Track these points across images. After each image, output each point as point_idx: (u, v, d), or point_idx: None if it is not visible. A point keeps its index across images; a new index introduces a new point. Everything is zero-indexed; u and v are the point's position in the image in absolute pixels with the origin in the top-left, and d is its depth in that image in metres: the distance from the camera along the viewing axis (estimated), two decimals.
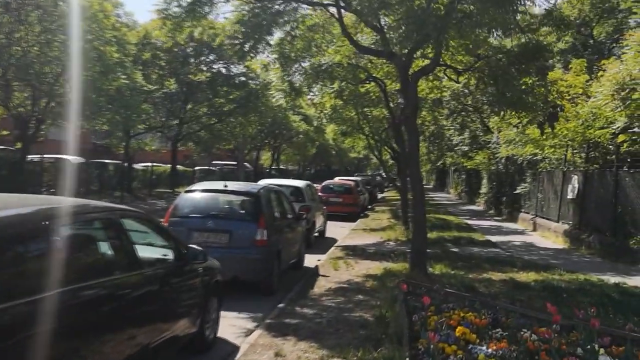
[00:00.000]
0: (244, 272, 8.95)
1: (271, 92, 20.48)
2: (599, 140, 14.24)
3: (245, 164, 49.84)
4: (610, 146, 14.07)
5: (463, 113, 26.53)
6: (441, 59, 11.81)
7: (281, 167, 63.28)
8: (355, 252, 13.77)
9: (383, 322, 7.44)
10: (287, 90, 15.59)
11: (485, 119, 26.28)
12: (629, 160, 13.37)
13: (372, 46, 12.90)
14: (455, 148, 28.65)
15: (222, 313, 7.28)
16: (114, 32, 19.84)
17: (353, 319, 7.75)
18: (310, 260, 12.61)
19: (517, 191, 21.90)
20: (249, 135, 39.39)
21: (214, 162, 49.53)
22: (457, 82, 13.09)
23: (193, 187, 10.09)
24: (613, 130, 12.75)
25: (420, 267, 10.35)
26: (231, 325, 7.55)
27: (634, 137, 12.51)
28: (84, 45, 17.41)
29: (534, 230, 19.11)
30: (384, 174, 78.42)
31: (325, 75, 15.14)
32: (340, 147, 71.25)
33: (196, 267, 6.05)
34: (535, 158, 18.47)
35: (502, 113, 13.18)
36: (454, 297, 7.98)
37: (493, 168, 28.09)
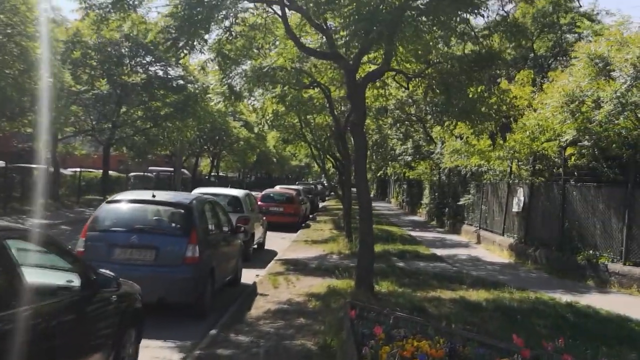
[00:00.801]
0: (171, 294, 7.97)
1: (210, 96, 19.50)
2: (546, 152, 13.98)
3: (183, 170, 48.17)
4: (557, 159, 13.83)
5: (407, 122, 26.27)
6: (390, 65, 11.20)
7: (221, 174, 61.83)
8: (297, 266, 12.93)
9: (328, 352, 6.65)
10: (226, 93, 14.67)
11: (428, 129, 26.10)
12: (575, 173, 13.13)
13: (318, 49, 12.18)
14: (399, 158, 28.30)
15: (145, 342, 6.33)
16: (39, 27, 18.33)
17: (294, 348, 6.91)
18: (248, 276, 11.70)
19: (460, 202, 21.64)
20: (187, 141, 37.98)
21: (150, 168, 47.68)
22: (407, 89, 12.47)
23: (116, 197, 9.01)
24: (562, 143, 12.47)
25: (366, 286, 9.63)
26: (154, 357, 6.58)
27: (582, 151, 12.24)
28: (2, 39, 15.92)
29: (478, 242, 18.81)
30: (325, 182, 78.27)
31: (267, 79, 14.31)
32: (282, 155, 70.57)
33: (108, 295, 5.07)
34: (480, 169, 18.20)
35: (450, 122, 12.68)
36: (404, 322, 7.31)
37: (435, 178, 27.91)
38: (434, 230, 23.98)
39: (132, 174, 40.39)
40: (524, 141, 13.90)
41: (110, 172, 33.93)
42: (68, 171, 31.72)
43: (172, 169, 43.13)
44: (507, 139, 13.77)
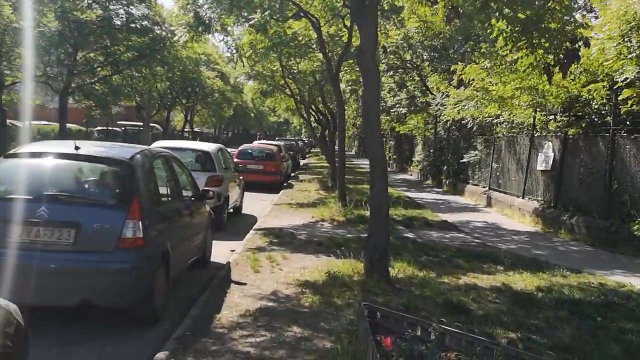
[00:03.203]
0: (101, 294, 5.32)
1: (173, 28, 16.55)
2: (588, 97, 11.35)
3: (155, 125, 44.89)
4: (605, 105, 11.23)
5: (401, 70, 23.48)
6: None
7: (196, 129, 58.56)
8: (282, 239, 10.32)
9: None
10: (192, 23, 11.79)
11: (425, 77, 23.36)
12: (628, 122, 10.56)
13: None
14: (391, 110, 25.52)
15: None
16: None
17: None
18: (220, 252, 9.13)
19: (464, 160, 19.07)
20: (156, 92, 34.69)
21: (120, 122, 44.23)
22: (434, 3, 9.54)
23: (20, 150, 6.18)
24: (619, 84, 9.83)
25: (380, 272, 7.06)
26: None
27: None
28: None
29: (489, 205, 16.35)
30: (305, 138, 75.40)
31: (242, 3, 11.44)
32: (260, 110, 67.37)
33: None
34: (494, 121, 15.61)
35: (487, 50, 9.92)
36: (448, 336, 4.80)
37: (430, 133, 25.32)
38: (431, 191, 21.46)
39: (98, 128, 37.10)
40: (564, 83, 11.23)
41: (71, 126, 30.68)
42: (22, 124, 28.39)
43: (142, 123, 39.84)
44: (543, 81, 11.13)
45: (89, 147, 6.17)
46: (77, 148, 5.84)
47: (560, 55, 7.27)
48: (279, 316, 5.93)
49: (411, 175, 29.08)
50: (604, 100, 11.12)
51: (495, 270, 8.33)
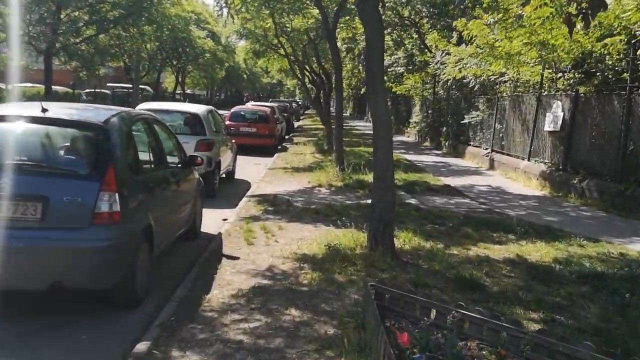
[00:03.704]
0: (74, 277, 4.72)
1: None
2: (603, 52, 10.58)
3: (145, 87, 43.85)
4: (620, 62, 10.50)
5: (399, 27, 22.55)
6: None
7: (188, 91, 57.46)
8: (277, 206, 9.70)
9: None
10: None
11: (424, 35, 22.47)
12: None
13: None
14: (389, 70, 24.63)
15: None
16: None
17: None
18: (211, 221, 8.54)
19: (464, 121, 18.36)
20: (145, 52, 33.59)
21: (109, 84, 43.13)
22: None
23: None
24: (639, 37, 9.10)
25: (385, 245, 6.46)
26: None
27: None
28: None
29: (492, 168, 15.73)
30: (299, 100, 74.31)
31: None
32: (252, 72, 66.13)
33: None
34: (498, 80, 14.86)
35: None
36: (468, 322, 4.25)
37: (428, 94, 24.54)
38: (431, 153, 20.80)
39: (87, 90, 36.09)
40: (578, 37, 10.47)
41: (57, 88, 29.72)
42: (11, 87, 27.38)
43: (131, 85, 38.77)
44: (555, 34, 10.36)
45: (57, 110, 5.45)
46: (44, 110, 5.14)
47: (584, 3, 6.51)
48: (275, 296, 5.35)
49: (408, 137, 28.40)
50: (621, 56, 10.39)
51: (507, 239, 7.76)
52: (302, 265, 6.32)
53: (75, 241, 4.68)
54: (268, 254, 6.81)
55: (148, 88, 44.11)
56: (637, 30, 9.18)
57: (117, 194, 4.79)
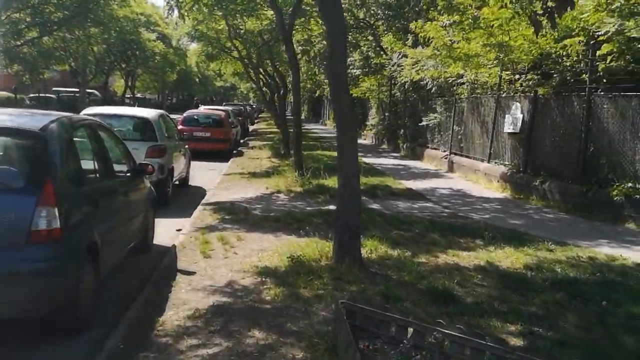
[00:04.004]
0: (9, 304, 4.18)
1: None
2: (563, 53, 10.52)
3: (92, 91, 42.43)
4: (579, 63, 10.45)
5: (354, 29, 22.33)
6: None
7: (138, 95, 55.98)
8: (235, 214, 9.23)
9: None
10: None
11: (379, 37, 22.30)
12: (604, 80, 9.83)
13: None
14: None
15: None
16: None
17: None
18: (165, 232, 8.07)
19: (423, 123, 18.23)
20: (91, 55, 32.41)
21: (55, 89, 41.51)
22: None
23: None
24: (602, 37, 9.01)
25: (352, 256, 6.10)
26: None
27: (624, 47, 8.86)
28: None
29: (451, 171, 15.61)
30: (253, 103, 73.52)
31: None
32: (205, 75, 64.98)
33: None
34: (456, 82, 14.75)
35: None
36: (449, 341, 3.93)
37: (383, 96, 24.40)
38: (389, 156, 20.62)
39: (32, 95, 34.59)
40: (533, 38, 10.37)
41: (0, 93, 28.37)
42: None
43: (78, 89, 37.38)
44: (515, 35, 10.22)
45: None
46: None
47: (550, 2, 6.32)
48: (236, 316, 4.91)
49: (365, 139, 28.21)
50: (580, 57, 10.34)
51: (475, 245, 7.51)
52: (264, 279, 5.89)
53: (10, 263, 4.14)
54: (227, 267, 6.35)
55: (96, 92, 42.69)
56: (596, 31, 9.10)
57: (56, 209, 4.27)
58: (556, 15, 6.09)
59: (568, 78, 10.75)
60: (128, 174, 6.53)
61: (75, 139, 5.13)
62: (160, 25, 40.52)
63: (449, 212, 9.89)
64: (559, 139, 10.92)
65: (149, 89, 57.08)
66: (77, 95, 34.62)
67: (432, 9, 19.31)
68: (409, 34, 21.42)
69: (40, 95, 32.59)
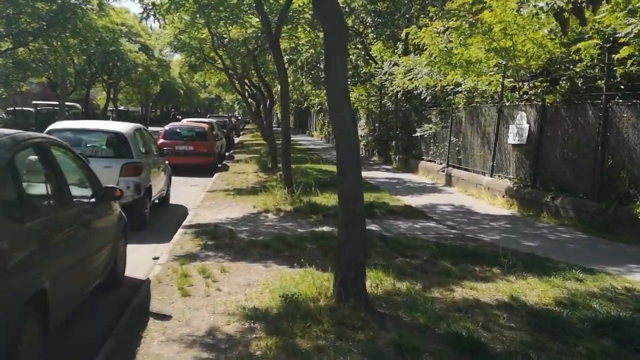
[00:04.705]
0: None
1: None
2: (575, 57, 9.70)
3: (73, 104, 41.20)
4: (593, 69, 9.64)
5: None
6: None
7: (121, 108, 54.83)
8: (219, 239, 8.27)
9: None
10: None
11: (369, 45, 21.51)
12: (622, 87, 9.02)
13: None
14: None
15: None
16: None
17: None
18: (140, 260, 7.21)
19: (417, 134, 17.37)
20: (71, 67, 31.33)
21: (35, 102, 40.24)
22: None
23: None
24: (622, 39, 8.20)
25: (356, 296, 5.17)
26: None
27: None
28: None
29: (449, 184, 14.74)
30: (239, 115, 72.53)
31: None
32: (189, 86, 64.00)
33: None
34: (454, 90, 13.92)
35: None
36: None
37: (373, 106, 23.58)
38: (380, 169, 19.73)
39: (9, 109, 33.37)
40: (543, 41, 9.59)
41: None
42: None
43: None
44: (520, 40, 9.41)
45: None
46: None
47: None
48: None
49: None
50: (595, 61, 9.53)
51: (493, 274, 6.61)
52: (252, 325, 4.93)
53: None
54: (208, 309, 5.38)
55: (77, 105, 41.46)
56: (617, 34, 8.28)
57: None
58: (590, 8, 5.24)
59: (579, 85, 9.93)
60: (92, 200, 5.57)
61: (18, 162, 4.16)
62: (143, 36, 39.56)
63: (455, 232, 8.99)
64: (572, 151, 10.09)
65: (132, 101, 55.93)
66: (57, 108, 33.44)
67: (422, 15, 18.61)
68: (399, 42, 20.70)
69: (17, 109, 31.37)
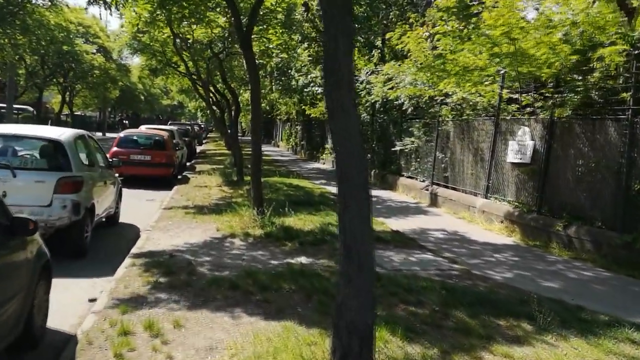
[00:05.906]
0: None
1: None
2: (598, 66, 8.45)
3: (26, 107, 38.81)
4: (614, 79, 8.42)
5: (316, 42, 20.16)
6: None
7: (77, 113, 52.36)
8: (174, 275, 6.68)
9: None
10: None
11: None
12: None
13: None
14: (305, 90, 22.02)
15: None
16: None
17: None
18: (72, 301, 5.82)
19: (396, 148, 16.01)
20: (21, 67, 29.14)
21: None
22: None
23: None
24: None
25: None
26: None
27: None
28: None
29: (435, 205, 13.38)
30: (202, 123, 70.46)
31: None
32: (150, 92, 61.86)
33: None
34: (435, 102, 12.66)
35: None
36: None
37: None
38: None
39: None
40: (553, 41, 8.34)
41: None
42: None
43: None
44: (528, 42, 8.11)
45: None
46: None
47: None
48: None
49: (324, 164, 25.93)
50: (620, 70, 8.31)
51: (524, 332, 5.20)
52: None
53: None
54: None
55: (29, 108, 39.09)
56: None
57: None
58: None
59: (594, 97, 8.70)
60: None
61: None
62: (101, 37, 37.50)
63: (459, 268, 7.57)
64: (588, 173, 8.84)
65: (89, 106, 53.42)
66: (4, 111, 31.10)
67: (400, 22, 17.41)
68: (374, 49, 19.46)
69: None
